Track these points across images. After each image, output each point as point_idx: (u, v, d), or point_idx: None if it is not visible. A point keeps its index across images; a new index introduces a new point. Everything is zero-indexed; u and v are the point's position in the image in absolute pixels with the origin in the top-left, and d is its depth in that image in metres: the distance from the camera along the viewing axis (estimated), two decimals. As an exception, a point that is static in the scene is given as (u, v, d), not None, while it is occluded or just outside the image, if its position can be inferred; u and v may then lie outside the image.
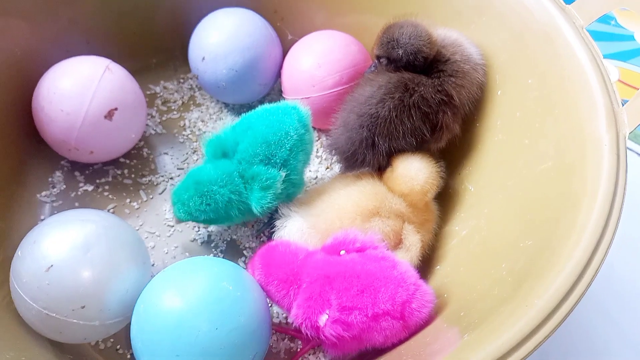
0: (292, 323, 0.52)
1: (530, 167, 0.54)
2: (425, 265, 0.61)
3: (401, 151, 0.61)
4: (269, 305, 0.60)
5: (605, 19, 0.97)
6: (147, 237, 0.66)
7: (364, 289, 0.49)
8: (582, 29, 0.55)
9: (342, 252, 0.54)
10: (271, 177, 0.57)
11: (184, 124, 0.77)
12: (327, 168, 0.74)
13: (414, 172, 0.59)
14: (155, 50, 0.80)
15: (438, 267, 0.60)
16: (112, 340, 0.58)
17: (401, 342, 0.50)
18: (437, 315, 0.51)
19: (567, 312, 0.38)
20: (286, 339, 0.60)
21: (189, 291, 0.47)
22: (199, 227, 0.67)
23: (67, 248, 0.49)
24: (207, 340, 0.45)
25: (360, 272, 0.50)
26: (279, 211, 0.60)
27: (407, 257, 0.57)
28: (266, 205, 0.57)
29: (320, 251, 0.55)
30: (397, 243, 0.59)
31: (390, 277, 0.50)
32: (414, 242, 0.58)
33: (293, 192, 0.61)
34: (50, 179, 0.70)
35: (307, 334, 0.50)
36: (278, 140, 0.58)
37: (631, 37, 0.94)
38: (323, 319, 0.49)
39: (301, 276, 0.52)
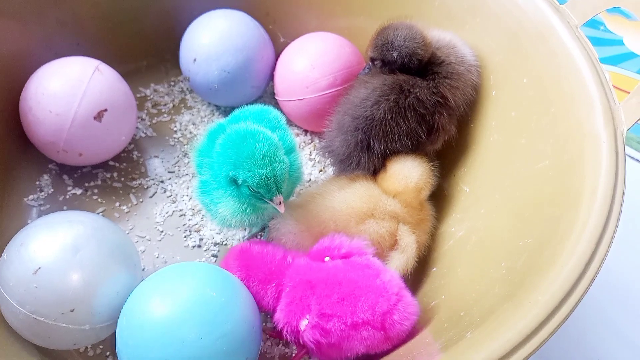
0: (274, 326, 0.51)
1: (527, 166, 0.54)
2: (422, 267, 0.60)
3: (397, 153, 0.61)
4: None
5: (595, 24, 0.98)
6: (137, 241, 0.65)
7: (344, 297, 0.48)
8: (577, 28, 0.55)
9: (327, 258, 0.53)
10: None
11: (175, 127, 0.76)
12: (321, 171, 0.73)
13: (408, 169, 0.59)
14: (146, 52, 0.79)
15: (434, 269, 0.60)
16: (101, 347, 0.57)
17: (389, 351, 0.49)
18: (436, 316, 0.50)
19: (572, 307, 0.38)
20: (280, 344, 0.58)
21: (172, 301, 0.46)
22: (190, 231, 0.66)
23: (55, 250, 0.48)
24: (194, 349, 0.44)
25: (342, 279, 0.49)
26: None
27: (402, 258, 0.56)
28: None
29: (305, 256, 0.54)
30: (393, 244, 0.58)
31: (371, 286, 0.49)
32: (409, 243, 0.57)
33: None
34: (37, 183, 0.68)
35: (289, 338, 0.50)
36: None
37: (620, 42, 0.95)
38: (303, 324, 0.48)
39: (281, 277, 0.52)
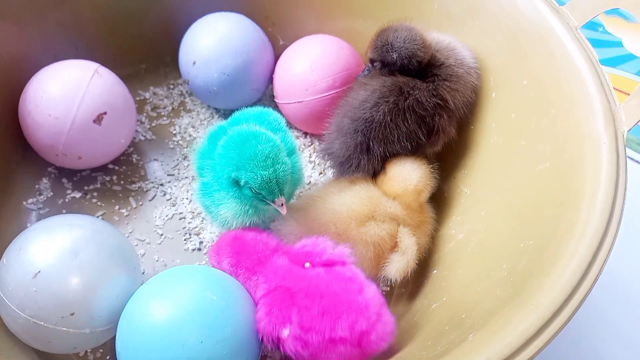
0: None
1: (527, 167, 0.54)
2: (422, 269, 0.60)
3: (396, 156, 0.61)
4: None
5: (594, 26, 0.98)
6: (137, 245, 0.65)
7: (324, 311, 0.47)
8: (576, 30, 0.55)
9: (307, 264, 0.51)
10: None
11: (174, 130, 0.76)
12: (321, 173, 0.73)
13: (407, 172, 0.59)
14: (145, 55, 0.79)
15: (435, 271, 0.60)
16: (101, 350, 0.57)
17: None
18: (437, 318, 0.50)
19: (574, 309, 0.38)
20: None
21: (172, 304, 0.46)
22: (190, 235, 0.66)
23: (54, 253, 0.48)
24: (193, 353, 0.44)
25: (324, 292, 0.48)
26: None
27: (403, 260, 0.56)
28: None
29: (284, 257, 0.52)
30: (393, 246, 0.58)
31: (353, 302, 0.47)
32: (409, 245, 0.57)
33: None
34: (36, 186, 0.68)
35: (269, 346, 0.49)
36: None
37: (619, 44, 0.95)
38: (285, 333, 0.48)
39: (263, 272, 0.51)
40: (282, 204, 0.52)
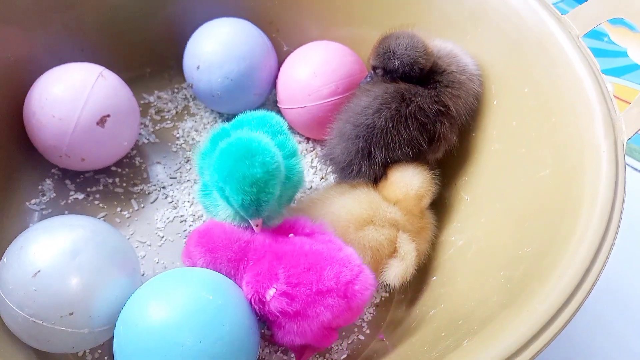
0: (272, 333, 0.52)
1: (527, 175, 0.54)
2: (422, 276, 0.60)
3: (398, 162, 0.61)
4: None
5: (599, 35, 0.98)
6: (137, 247, 0.65)
7: (310, 267, 0.49)
8: (578, 38, 0.55)
9: (291, 235, 0.54)
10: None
11: (178, 134, 0.77)
12: (322, 179, 0.73)
13: (409, 177, 0.59)
14: (150, 59, 0.80)
15: (434, 278, 0.59)
16: (99, 351, 0.57)
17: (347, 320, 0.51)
18: (434, 325, 0.50)
19: (570, 315, 0.37)
20: (279, 351, 0.58)
21: (168, 307, 0.46)
22: (191, 237, 0.66)
23: (54, 253, 0.48)
24: (193, 354, 0.44)
25: (308, 251, 0.51)
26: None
27: (402, 265, 0.56)
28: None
29: (269, 232, 0.55)
30: (392, 252, 0.58)
31: (336, 257, 0.50)
32: (409, 251, 0.57)
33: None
34: (40, 187, 0.68)
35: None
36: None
37: (624, 54, 0.95)
38: (270, 293, 0.49)
39: (248, 252, 0.53)
40: (258, 225, 0.53)
